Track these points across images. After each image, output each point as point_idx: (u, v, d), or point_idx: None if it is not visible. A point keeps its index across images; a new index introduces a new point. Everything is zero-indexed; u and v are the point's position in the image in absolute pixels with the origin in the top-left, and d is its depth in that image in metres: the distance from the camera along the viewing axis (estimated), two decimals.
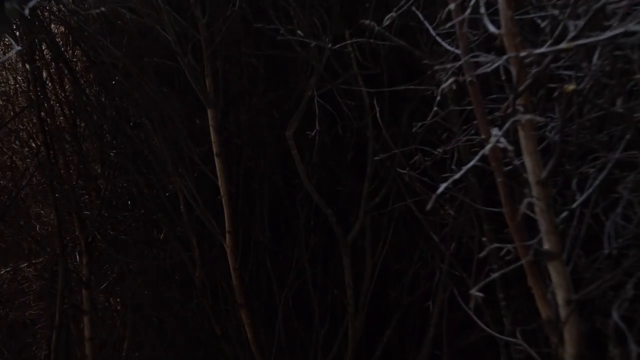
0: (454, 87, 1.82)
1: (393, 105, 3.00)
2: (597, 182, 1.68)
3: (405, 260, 3.48)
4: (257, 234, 3.44)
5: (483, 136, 1.68)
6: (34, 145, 4.59)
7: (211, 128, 3.03)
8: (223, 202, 3.17)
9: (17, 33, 3.64)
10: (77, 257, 4.84)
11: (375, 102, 2.73)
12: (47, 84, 4.13)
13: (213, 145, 3.09)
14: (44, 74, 4.11)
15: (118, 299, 5.10)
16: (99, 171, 4.49)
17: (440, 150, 1.93)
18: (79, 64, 4.03)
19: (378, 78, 2.96)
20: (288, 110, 3.13)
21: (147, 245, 4.49)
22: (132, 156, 4.13)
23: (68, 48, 3.89)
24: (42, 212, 5.09)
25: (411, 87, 2.28)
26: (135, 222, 4.52)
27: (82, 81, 3.95)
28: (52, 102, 4.22)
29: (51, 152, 4.19)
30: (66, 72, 3.67)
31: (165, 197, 4.01)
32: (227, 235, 3.23)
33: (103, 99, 4.03)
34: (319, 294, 3.57)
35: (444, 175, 1.76)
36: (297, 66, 3.01)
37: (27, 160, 4.72)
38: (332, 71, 2.97)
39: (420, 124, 1.93)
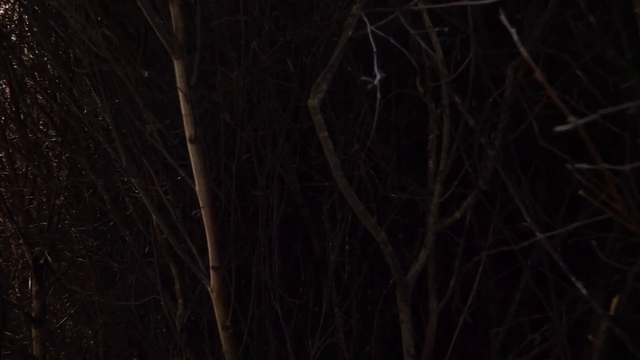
0: None
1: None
2: None
3: (494, 311, 2.21)
4: (260, 269, 2.16)
5: None
6: None
7: (180, 94, 1.78)
8: (203, 217, 1.93)
9: None
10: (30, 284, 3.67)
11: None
12: None
13: (184, 124, 1.85)
14: None
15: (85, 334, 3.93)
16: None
17: None
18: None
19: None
20: (312, 64, 1.85)
21: (111, 272, 3.27)
22: (87, 147, 2.95)
23: None
24: None
25: None
26: (98, 240, 3.33)
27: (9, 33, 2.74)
28: None
29: None
30: None
31: (135, 205, 2.84)
32: (211, 273, 1.98)
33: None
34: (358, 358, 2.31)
35: None
36: None
37: None
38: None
39: None
